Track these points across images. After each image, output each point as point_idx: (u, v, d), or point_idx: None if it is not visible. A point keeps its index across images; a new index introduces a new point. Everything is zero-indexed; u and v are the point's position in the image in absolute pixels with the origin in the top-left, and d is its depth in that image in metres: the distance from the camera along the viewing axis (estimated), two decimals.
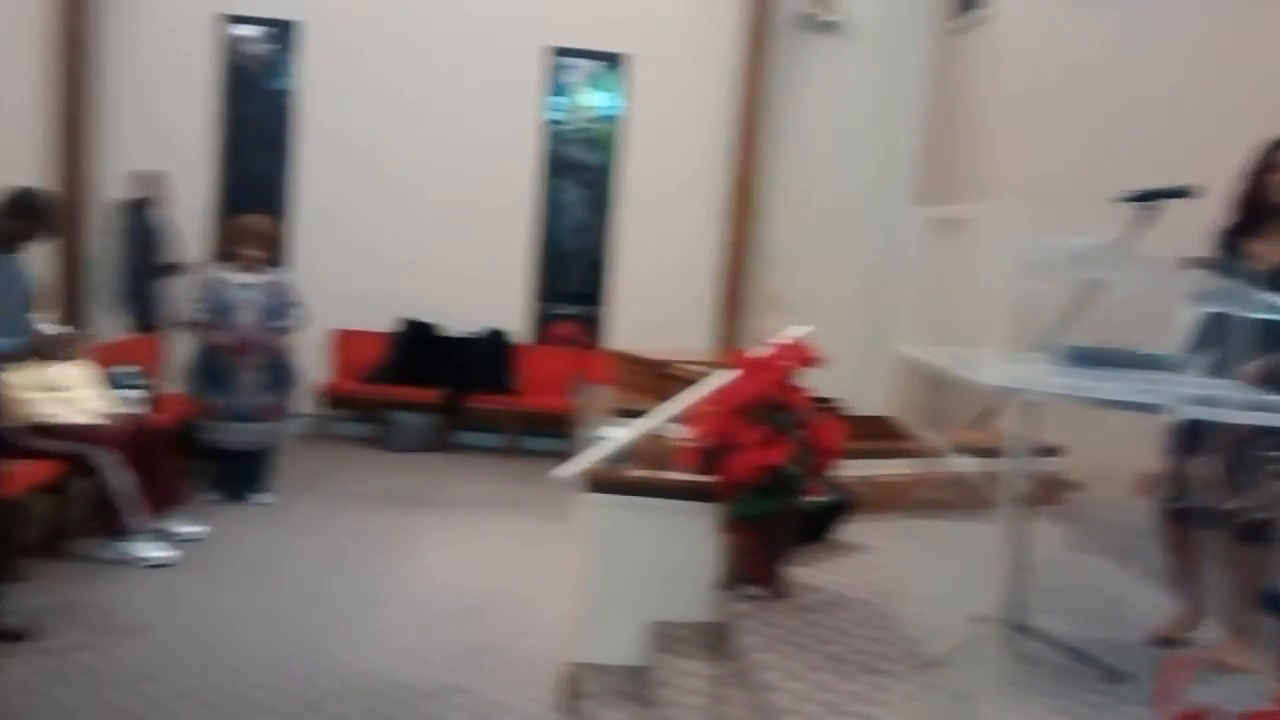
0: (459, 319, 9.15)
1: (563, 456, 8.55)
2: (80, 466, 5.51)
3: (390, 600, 5.34)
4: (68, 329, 4.62)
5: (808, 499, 3.90)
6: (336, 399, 9.09)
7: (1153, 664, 3.27)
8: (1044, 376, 2.82)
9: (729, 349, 8.66)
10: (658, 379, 6.24)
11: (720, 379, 4.16)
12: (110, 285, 8.26)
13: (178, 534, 5.88)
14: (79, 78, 8.62)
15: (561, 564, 6.03)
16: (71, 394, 5.67)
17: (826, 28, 9.09)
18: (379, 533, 6.46)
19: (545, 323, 9.51)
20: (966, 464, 4.32)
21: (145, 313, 8.01)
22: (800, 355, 3.72)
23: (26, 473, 5.04)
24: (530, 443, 9.01)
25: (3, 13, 8.52)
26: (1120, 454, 4.15)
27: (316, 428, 8.86)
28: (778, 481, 3.69)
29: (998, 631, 3.42)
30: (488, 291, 9.22)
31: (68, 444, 5.43)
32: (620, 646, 4.25)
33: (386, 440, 8.86)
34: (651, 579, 4.24)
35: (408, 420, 8.89)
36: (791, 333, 4.01)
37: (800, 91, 9.22)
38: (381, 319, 9.10)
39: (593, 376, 8.46)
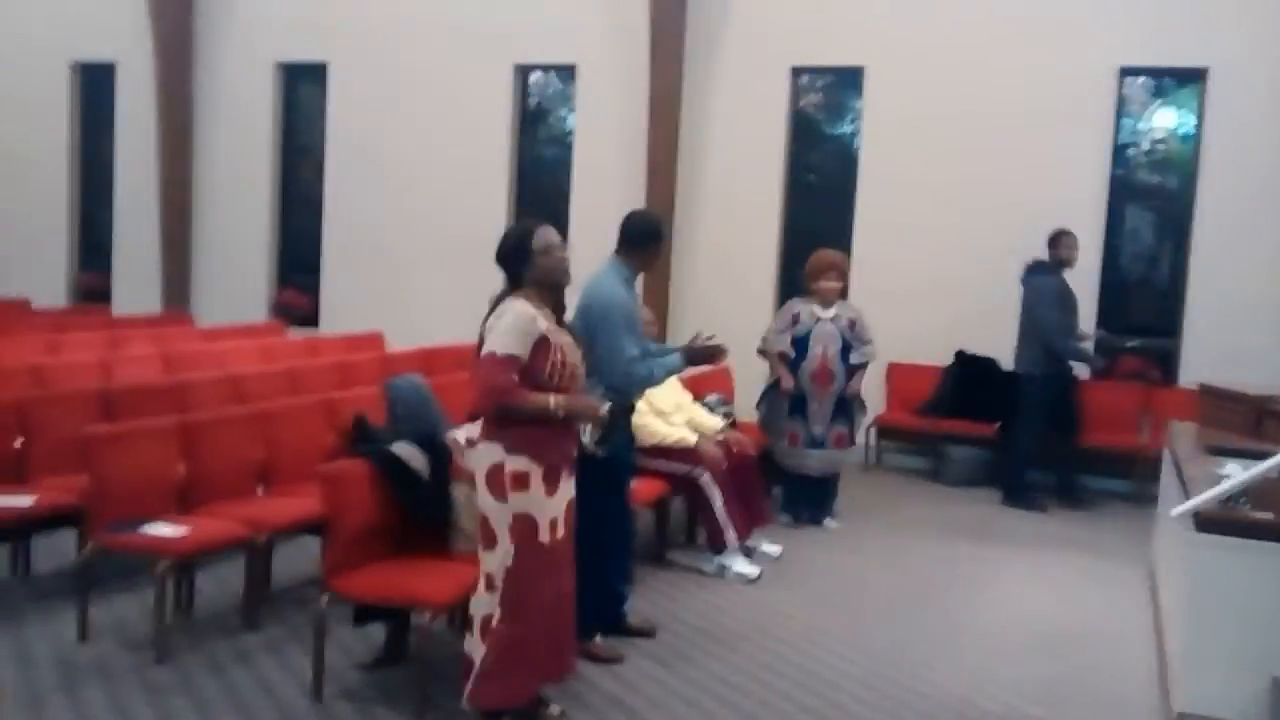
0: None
1: (1125, 498, 8.22)
2: (683, 485, 6.10)
3: (966, 629, 5.37)
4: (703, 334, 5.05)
5: None
6: (890, 430, 9.27)
7: None
8: None
9: None
10: (1256, 416, 5.75)
11: None
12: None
13: (762, 552, 6.30)
14: None
15: (1135, 607, 5.77)
16: (674, 417, 6.28)
17: None
18: (944, 561, 6.52)
19: (1109, 356, 9.04)
20: None
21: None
22: None
23: (641, 489, 5.65)
24: (1090, 482, 8.61)
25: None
26: None
27: (869, 458, 9.09)
28: None
29: None
30: None
31: (675, 464, 6.04)
32: (1235, 699, 3.99)
33: (939, 473, 8.89)
34: (1274, 629, 3.92)
35: (961, 454, 8.86)
36: None
37: None
38: (935, 352, 9.15)
39: (1163, 413, 7.95)
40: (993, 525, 7.51)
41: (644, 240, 4.83)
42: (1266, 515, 3.97)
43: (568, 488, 3.87)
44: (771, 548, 6.42)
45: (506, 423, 3.69)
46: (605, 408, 4.03)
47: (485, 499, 3.76)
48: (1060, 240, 7.94)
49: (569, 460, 3.87)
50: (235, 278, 11.69)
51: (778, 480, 7.47)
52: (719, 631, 5.18)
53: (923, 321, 9.13)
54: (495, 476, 3.72)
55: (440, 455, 4.39)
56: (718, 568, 6.07)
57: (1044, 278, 7.88)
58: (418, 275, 10.74)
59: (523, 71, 10.76)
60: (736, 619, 5.37)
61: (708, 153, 9.86)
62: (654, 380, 4.78)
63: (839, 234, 9.50)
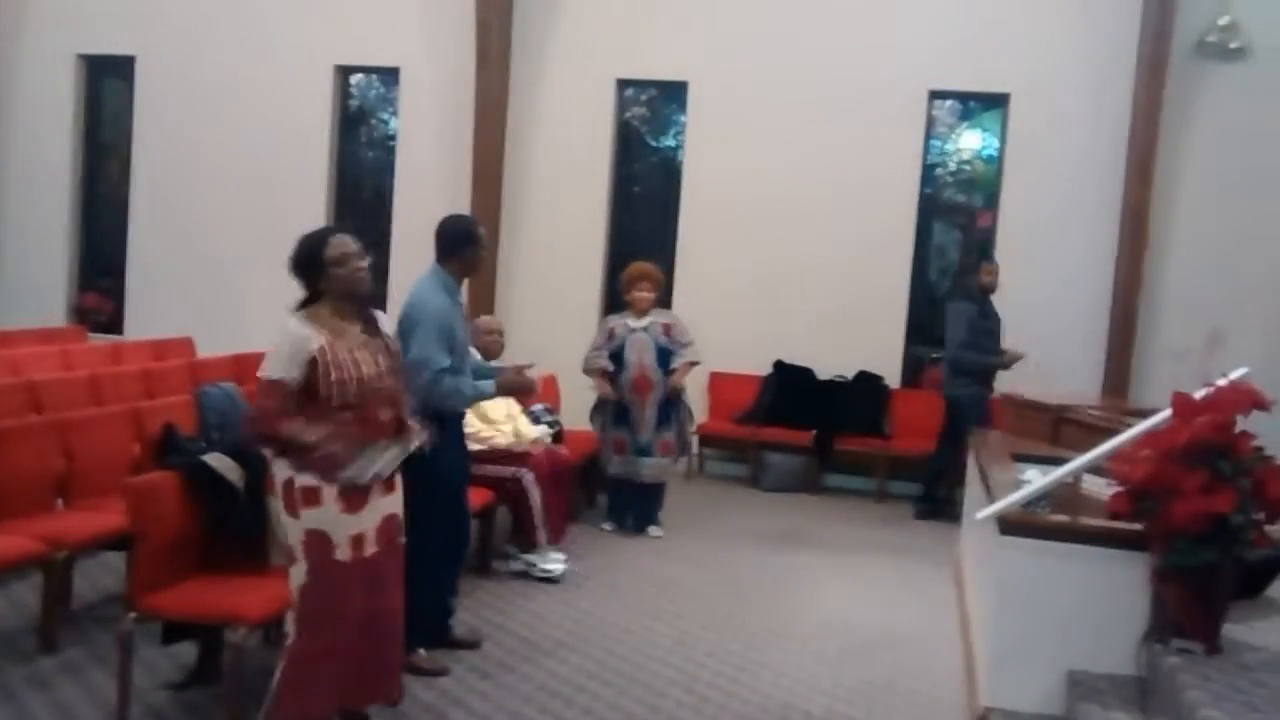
0: (831, 362, 9.28)
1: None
2: (508, 490, 6.12)
3: (787, 634, 5.50)
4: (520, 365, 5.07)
5: (1251, 551, 3.69)
6: (711, 439, 9.43)
7: None
8: None
9: (1119, 393, 8.32)
10: (1053, 424, 6.08)
11: (1147, 423, 4.02)
12: None
13: (564, 558, 6.34)
14: None
15: (944, 608, 6.03)
16: (504, 426, 6.26)
17: (1232, 55, 8.55)
18: (764, 568, 6.67)
19: (918, 366, 9.45)
20: None
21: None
22: (1247, 398, 3.55)
23: (474, 496, 5.58)
24: (899, 487, 8.98)
25: None
26: None
27: (690, 466, 9.22)
28: (1220, 531, 3.53)
29: None
30: (860, 334, 9.29)
31: (502, 467, 6.06)
32: (1035, 693, 4.19)
33: (758, 480, 9.10)
34: (1069, 626, 4.15)
35: (779, 461, 9.09)
36: (1232, 374, 3.83)
37: (1200, 124, 8.73)
38: (755, 362, 9.38)
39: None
40: (810, 531, 7.72)
41: (459, 244, 4.73)
42: (1063, 518, 4.21)
43: (382, 503, 3.75)
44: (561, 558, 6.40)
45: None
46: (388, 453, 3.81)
47: (282, 514, 3.65)
48: (979, 266, 8.30)
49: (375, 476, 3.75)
50: (32, 281, 11.01)
51: (603, 488, 7.54)
52: (543, 641, 5.16)
53: (744, 331, 9.33)
54: (287, 492, 3.59)
55: (255, 466, 4.21)
56: (525, 564, 6.13)
57: (959, 303, 8.26)
58: (232, 279, 10.31)
59: (343, 72, 10.51)
60: (561, 628, 5.36)
61: (534, 162, 9.85)
62: (461, 397, 4.62)
63: (663, 245, 9.66)
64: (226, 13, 10.41)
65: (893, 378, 9.35)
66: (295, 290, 3.76)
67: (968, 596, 5.82)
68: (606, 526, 7.29)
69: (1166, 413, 3.88)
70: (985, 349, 8.07)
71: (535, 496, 6.11)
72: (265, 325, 3.98)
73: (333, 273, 3.67)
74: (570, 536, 6.79)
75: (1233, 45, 8.54)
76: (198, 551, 4.15)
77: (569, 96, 9.80)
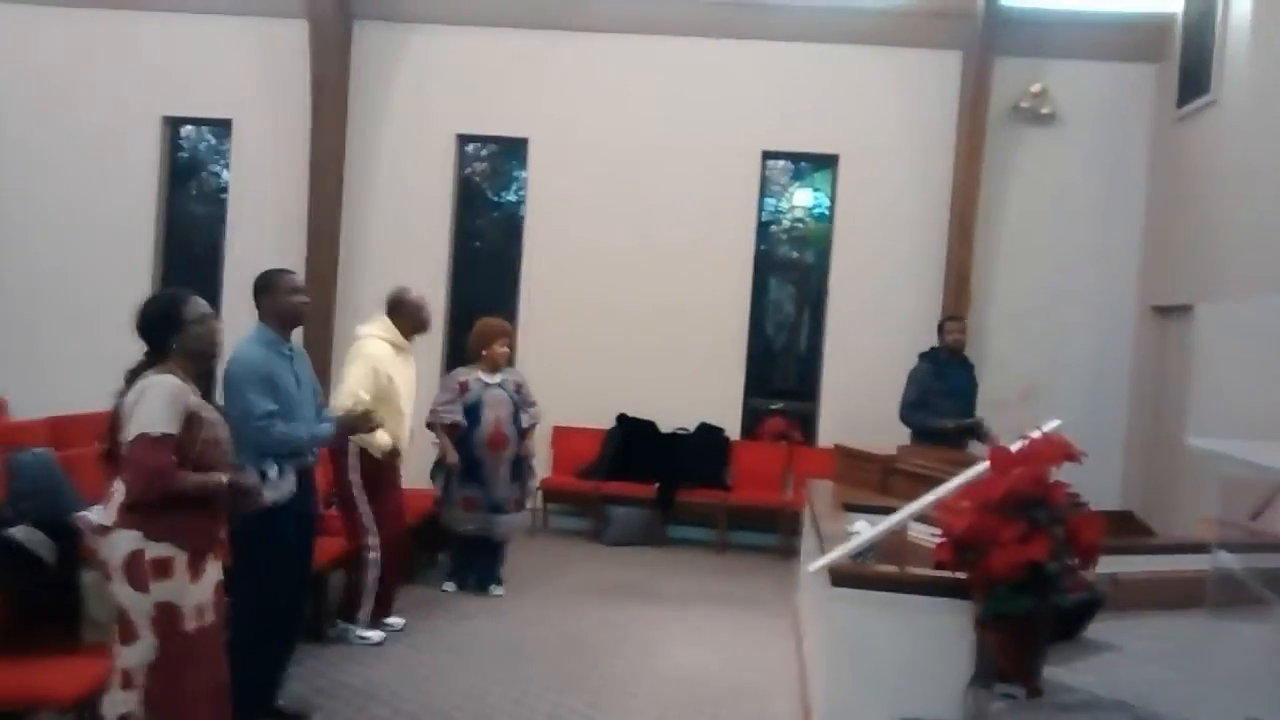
0: (674, 415, 9.38)
1: (772, 552, 8.75)
2: (351, 549, 6.03)
3: (628, 690, 5.48)
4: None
5: (1066, 597, 3.86)
6: (554, 493, 9.40)
7: None
8: None
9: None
10: (882, 474, 6.26)
11: (968, 474, 4.18)
12: None
13: (387, 624, 6.22)
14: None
15: (784, 658, 6.12)
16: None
17: (1043, 120, 9.10)
18: (607, 624, 6.64)
19: (756, 418, 9.64)
20: (1228, 560, 4.19)
21: None
22: (1060, 450, 3.72)
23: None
24: (740, 537, 9.12)
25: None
26: None
27: (535, 522, 9.16)
28: (1037, 578, 3.68)
29: None
30: (701, 388, 9.45)
31: (363, 523, 6.02)
32: None
33: (601, 534, 9.10)
34: (899, 675, 4.25)
35: (622, 514, 9.12)
36: (1046, 426, 4.01)
37: (1015, 185, 9.24)
38: (598, 416, 9.41)
39: (804, 471, 8.52)
40: (653, 584, 7.74)
41: (259, 294, 4.73)
42: (891, 569, 4.32)
43: (214, 570, 3.62)
44: (395, 620, 6.29)
45: (150, 508, 3.41)
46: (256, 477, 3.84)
47: (123, 590, 3.41)
48: (943, 326, 8.05)
49: (215, 542, 3.62)
50: None
51: (444, 547, 7.41)
52: (379, 709, 5.01)
53: (587, 385, 9.38)
54: (134, 565, 3.40)
55: (68, 538, 4.00)
56: (341, 631, 6.00)
57: (920, 363, 7.95)
58: (47, 339, 9.81)
59: (172, 124, 10.20)
60: (398, 695, 5.21)
61: (373, 217, 9.72)
62: (297, 441, 4.59)
63: (505, 301, 9.64)
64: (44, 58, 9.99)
65: (733, 429, 9.51)
66: (111, 351, 3.61)
67: (805, 647, 5.91)
68: (448, 587, 7.15)
69: (986, 464, 4.03)
70: (938, 410, 7.67)
71: (372, 576, 6.01)
72: (79, 386, 3.80)
73: (192, 330, 3.59)
74: (411, 598, 6.64)
75: (1044, 111, 9.08)
76: (4, 629, 3.90)
77: (408, 152, 9.73)
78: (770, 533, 9.16)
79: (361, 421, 5.02)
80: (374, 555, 6.00)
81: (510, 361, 7.39)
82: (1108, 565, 4.88)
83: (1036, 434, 3.94)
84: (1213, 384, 3.13)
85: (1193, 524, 6.18)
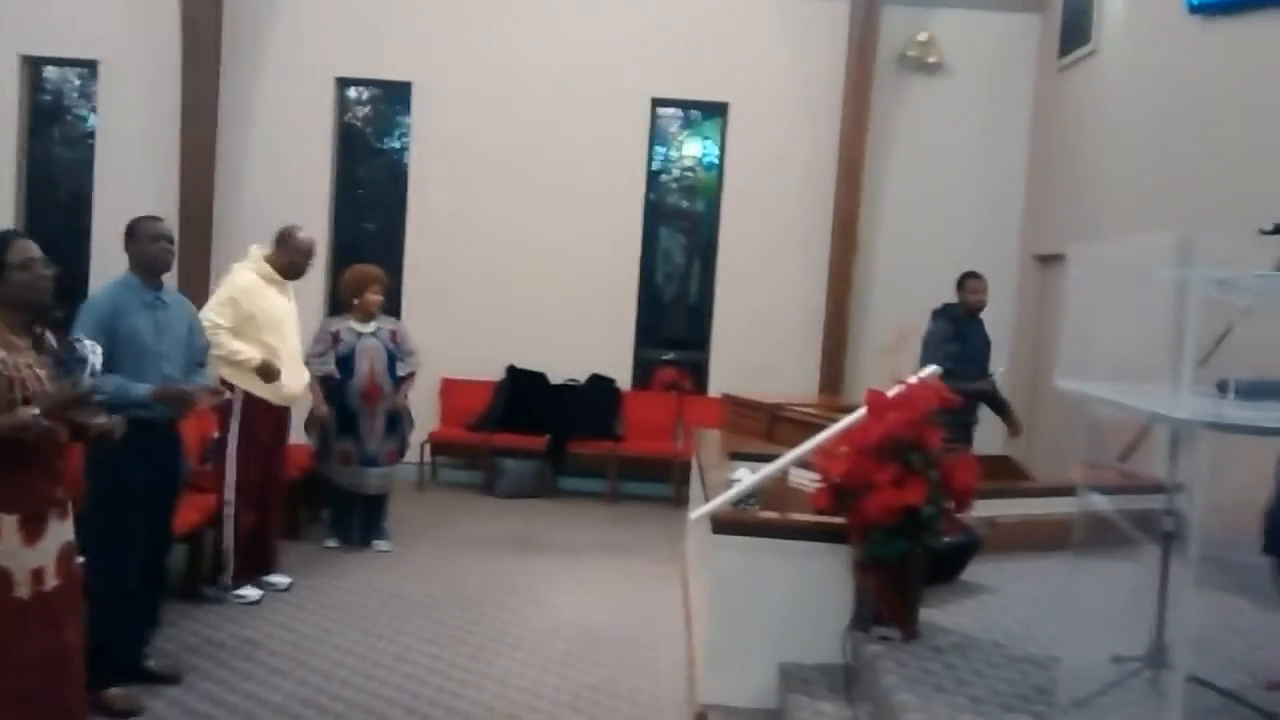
0: (564, 366, 9.30)
1: (664, 501, 8.76)
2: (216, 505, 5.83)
3: (514, 642, 5.42)
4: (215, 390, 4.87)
5: (941, 539, 3.90)
6: (443, 446, 9.27)
7: None
8: (1231, 410, 2.78)
9: (834, 391, 8.72)
10: (769, 422, 6.28)
11: (846, 420, 4.19)
12: None
13: (269, 582, 6.06)
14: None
15: (670, 606, 6.13)
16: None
17: (929, 69, 9.16)
18: (495, 577, 6.57)
19: (647, 368, 9.61)
20: (1098, 501, 4.29)
21: None
22: (935, 395, 3.75)
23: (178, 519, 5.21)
24: (632, 487, 9.11)
25: None
26: (1243, 489, 4.09)
27: (424, 475, 9.03)
28: (912, 522, 3.71)
29: (1142, 672, 3.39)
30: (592, 338, 9.38)
31: (229, 480, 5.83)
32: (750, 688, 4.29)
33: (492, 486, 9.01)
34: (781, 620, 4.27)
35: (513, 466, 9.03)
36: (923, 372, 4.04)
37: (902, 134, 9.30)
38: (487, 367, 9.28)
39: (695, 420, 8.53)
40: (543, 536, 7.69)
41: (127, 243, 4.57)
42: (772, 515, 4.33)
43: (59, 531, 3.41)
44: (280, 578, 6.12)
45: None
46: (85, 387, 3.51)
47: None
48: (963, 284, 7.29)
49: (54, 503, 3.40)
50: None
51: (325, 503, 7.25)
52: (255, 669, 4.86)
53: (475, 337, 9.24)
54: None
55: None
56: (216, 592, 5.83)
57: (936, 322, 7.21)
58: None
59: (33, 64, 9.68)
60: (276, 653, 5.08)
61: (249, 162, 9.38)
62: (102, 392, 4.01)
63: (390, 248, 9.42)
64: None
65: (624, 380, 9.47)
66: None
67: (691, 594, 5.92)
68: (330, 543, 6.99)
69: (863, 410, 4.05)
70: (960, 375, 6.60)
71: (228, 534, 5.82)
72: None
73: (15, 277, 3.32)
74: (294, 555, 6.49)
75: (930, 59, 9.14)
76: None
77: (286, 95, 9.38)
78: (662, 483, 9.17)
79: (180, 396, 4.51)
80: (229, 511, 5.80)
81: (387, 310, 7.20)
82: (986, 509, 5.00)
83: (913, 379, 3.97)
84: (1081, 326, 3.15)
85: (1069, 468, 6.34)
